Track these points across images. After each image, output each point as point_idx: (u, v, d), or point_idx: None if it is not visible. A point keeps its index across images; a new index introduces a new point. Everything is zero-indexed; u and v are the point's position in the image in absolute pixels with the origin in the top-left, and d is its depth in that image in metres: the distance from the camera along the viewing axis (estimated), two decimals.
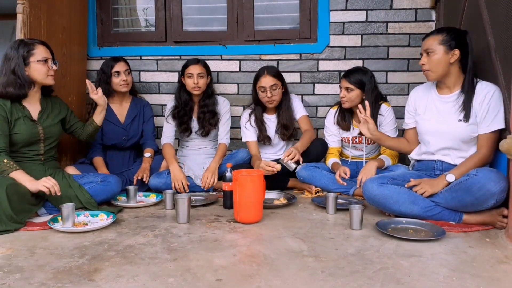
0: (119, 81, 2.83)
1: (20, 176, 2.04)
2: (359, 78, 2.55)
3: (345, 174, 2.49)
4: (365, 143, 2.67)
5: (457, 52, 2.03)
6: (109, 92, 2.85)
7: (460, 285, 1.35)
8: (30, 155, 2.24)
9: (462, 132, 2.07)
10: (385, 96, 2.79)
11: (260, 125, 2.84)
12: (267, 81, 2.71)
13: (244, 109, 2.98)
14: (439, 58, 2.06)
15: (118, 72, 2.83)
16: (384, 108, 2.61)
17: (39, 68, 2.20)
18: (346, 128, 2.68)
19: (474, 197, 1.86)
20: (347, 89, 2.55)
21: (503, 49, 2.00)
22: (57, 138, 2.37)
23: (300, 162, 2.56)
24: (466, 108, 2.04)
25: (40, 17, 2.59)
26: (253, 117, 2.86)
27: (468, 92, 2.05)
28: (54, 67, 2.26)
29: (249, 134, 2.86)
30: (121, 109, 2.94)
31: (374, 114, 2.56)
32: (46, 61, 2.22)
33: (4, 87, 2.14)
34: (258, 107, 2.85)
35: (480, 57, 2.25)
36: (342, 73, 3.06)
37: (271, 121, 2.88)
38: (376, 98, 2.59)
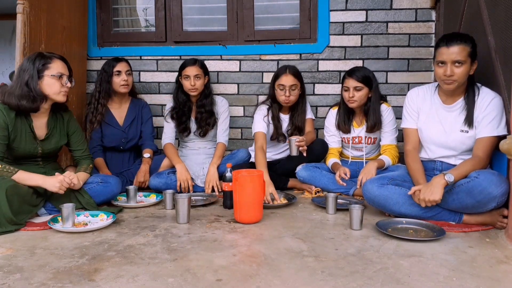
0: (120, 81, 2.82)
1: (25, 176, 2.02)
2: (365, 74, 2.54)
3: (345, 174, 2.49)
4: (365, 143, 2.67)
5: (476, 64, 1.99)
6: (109, 92, 2.85)
7: (460, 285, 1.35)
8: (27, 162, 2.21)
9: (464, 142, 2.06)
10: (385, 96, 2.79)
11: (277, 122, 2.81)
12: (288, 80, 2.69)
13: (261, 103, 2.89)
14: (467, 70, 1.96)
15: (119, 72, 2.82)
16: (384, 108, 2.61)
17: (52, 83, 2.12)
18: (347, 131, 2.68)
19: (475, 200, 1.85)
20: (355, 88, 2.52)
21: (503, 49, 2.00)
22: (56, 154, 2.34)
23: (304, 154, 2.56)
24: (468, 117, 2.02)
25: (40, 17, 2.59)
26: (270, 114, 2.81)
27: (472, 101, 2.02)
28: (69, 85, 2.18)
29: (263, 126, 2.74)
30: (120, 111, 2.93)
31: (377, 114, 2.57)
32: (60, 77, 2.14)
33: (19, 99, 2.06)
34: (275, 105, 2.82)
35: (480, 57, 2.24)
36: (342, 73, 3.08)
37: (284, 120, 2.87)
38: (380, 97, 2.61)
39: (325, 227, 1.98)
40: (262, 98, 3.13)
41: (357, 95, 2.53)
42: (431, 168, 2.20)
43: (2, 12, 4.24)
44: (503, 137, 1.85)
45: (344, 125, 2.66)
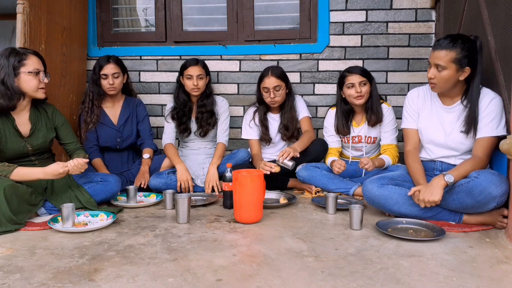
0: (106, 84, 2.79)
1: (24, 171, 2.00)
2: (365, 69, 2.61)
3: (341, 165, 2.49)
4: (365, 143, 2.67)
5: (467, 70, 1.95)
6: (99, 93, 2.83)
7: (460, 285, 1.35)
8: (22, 162, 2.18)
9: (463, 143, 2.05)
10: (386, 96, 2.79)
11: (262, 125, 2.84)
12: (270, 82, 2.71)
13: (249, 107, 2.97)
14: (449, 76, 1.96)
15: (106, 75, 2.78)
16: (385, 108, 2.61)
17: (29, 80, 2.08)
18: (346, 133, 2.69)
19: (475, 200, 1.85)
20: (360, 83, 2.55)
21: (503, 49, 2.00)
22: (49, 149, 2.31)
23: (298, 155, 2.54)
24: (468, 121, 2.01)
25: (40, 17, 2.59)
26: (257, 116, 2.86)
27: (473, 104, 2.00)
28: (46, 80, 2.15)
29: (251, 132, 2.86)
30: (114, 111, 2.92)
31: (379, 108, 2.59)
32: (37, 73, 2.11)
33: None
34: (262, 106, 2.85)
35: None
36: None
37: (274, 120, 2.88)
38: (379, 95, 2.65)
39: (325, 227, 1.98)
40: None
41: (364, 90, 2.56)
42: (431, 168, 2.20)
43: (2, 12, 4.25)
44: (502, 137, 1.85)
45: (343, 127, 2.67)
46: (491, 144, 1.96)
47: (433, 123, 2.14)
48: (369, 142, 2.67)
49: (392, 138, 2.61)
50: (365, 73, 2.58)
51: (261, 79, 2.76)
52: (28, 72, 2.08)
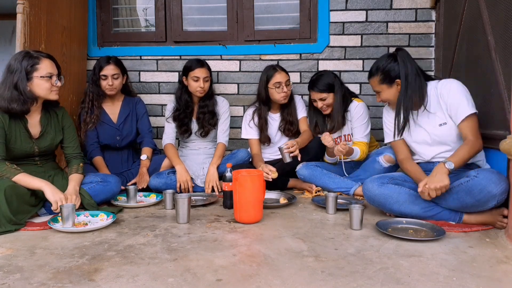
0: (105, 85, 2.79)
1: (27, 178, 2.01)
2: (326, 82, 2.62)
3: (327, 136, 2.51)
4: (345, 141, 2.70)
5: (399, 81, 2.10)
6: (99, 94, 2.83)
7: (460, 285, 1.35)
8: (25, 161, 2.19)
9: (447, 134, 2.07)
10: (354, 93, 2.83)
11: (263, 125, 2.84)
12: (282, 76, 2.75)
13: (249, 107, 2.98)
14: (388, 95, 2.16)
15: (105, 76, 2.79)
16: (354, 104, 2.65)
17: (42, 84, 2.09)
18: (319, 133, 2.74)
19: (475, 199, 1.85)
20: (321, 99, 2.62)
21: (503, 49, 2.00)
22: (53, 151, 2.32)
23: (299, 159, 2.55)
24: (439, 115, 2.07)
25: (40, 17, 2.59)
26: (256, 116, 2.86)
27: (430, 102, 2.09)
28: (59, 84, 2.16)
29: (251, 132, 2.87)
30: (113, 109, 2.92)
31: (341, 114, 2.63)
32: (50, 77, 2.11)
33: (9, 102, 2.03)
34: (265, 107, 2.85)
35: (480, 57, 2.25)
36: (342, 73, 3.08)
37: (274, 119, 2.89)
38: (344, 95, 2.65)
39: (325, 227, 1.98)
40: None
41: (324, 103, 2.63)
42: (430, 169, 2.19)
43: (2, 12, 4.25)
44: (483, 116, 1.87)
45: (314, 127, 2.76)
46: (475, 123, 1.99)
47: (414, 128, 2.17)
48: (348, 140, 2.71)
49: (362, 135, 2.63)
50: (325, 88, 2.60)
51: (269, 77, 2.77)
52: (41, 76, 2.08)
